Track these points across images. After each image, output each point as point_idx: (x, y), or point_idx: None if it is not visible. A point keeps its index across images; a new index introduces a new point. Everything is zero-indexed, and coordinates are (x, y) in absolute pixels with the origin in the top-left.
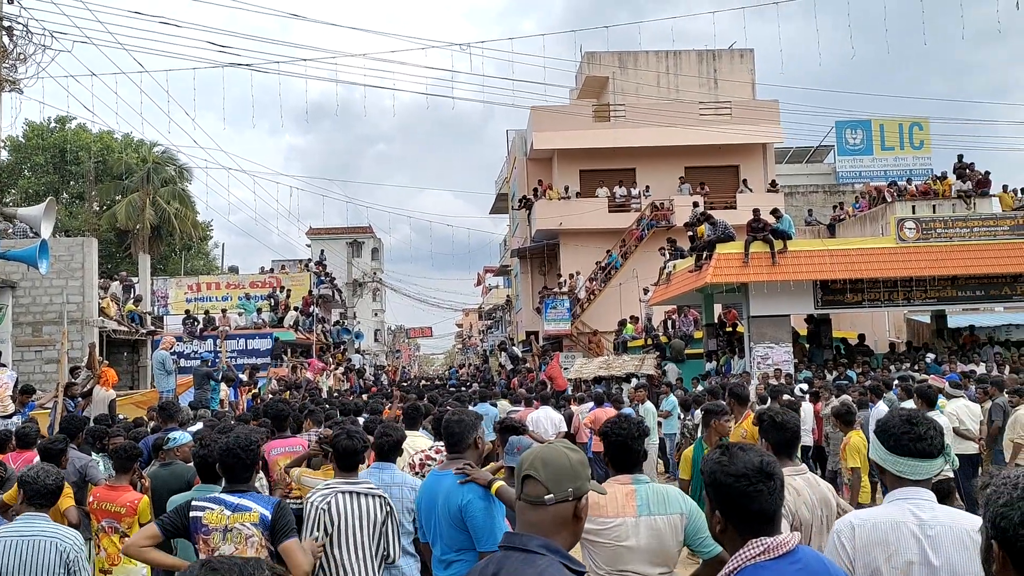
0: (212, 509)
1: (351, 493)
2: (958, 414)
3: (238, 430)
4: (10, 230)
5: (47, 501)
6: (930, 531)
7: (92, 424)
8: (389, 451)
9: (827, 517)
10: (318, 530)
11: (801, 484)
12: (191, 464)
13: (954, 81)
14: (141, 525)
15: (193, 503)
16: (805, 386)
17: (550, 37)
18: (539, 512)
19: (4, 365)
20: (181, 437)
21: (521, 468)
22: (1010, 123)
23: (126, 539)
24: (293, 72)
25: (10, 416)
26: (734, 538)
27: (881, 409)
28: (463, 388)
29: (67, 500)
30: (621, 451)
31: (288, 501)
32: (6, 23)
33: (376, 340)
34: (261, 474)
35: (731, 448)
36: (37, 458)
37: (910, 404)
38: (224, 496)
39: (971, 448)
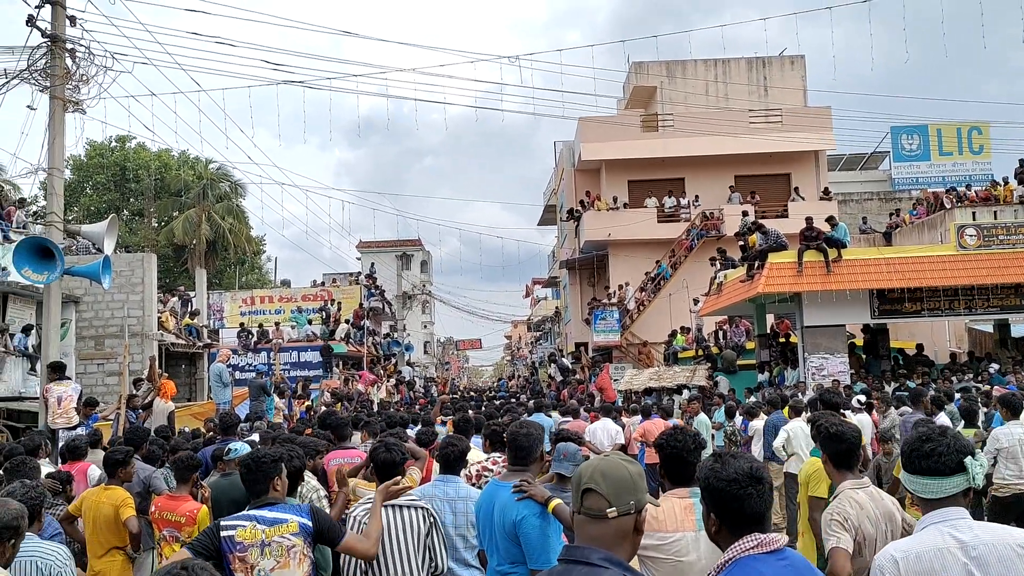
0: (244, 526)
1: (392, 506)
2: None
3: (283, 443)
4: (73, 247)
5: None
6: (974, 552)
7: (153, 435)
8: (454, 462)
9: (891, 532)
10: None
11: (864, 498)
12: None
13: (1012, 85)
14: None
15: (223, 523)
16: (863, 397)
17: (597, 47)
18: (600, 526)
19: (69, 378)
20: (240, 448)
21: (580, 481)
22: None
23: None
24: (344, 88)
25: (75, 427)
26: (727, 537)
27: (943, 421)
28: (512, 400)
29: (127, 510)
30: (677, 464)
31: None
32: (69, 45)
33: (426, 352)
34: (316, 483)
35: (723, 455)
36: (92, 468)
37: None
38: (255, 512)
39: None
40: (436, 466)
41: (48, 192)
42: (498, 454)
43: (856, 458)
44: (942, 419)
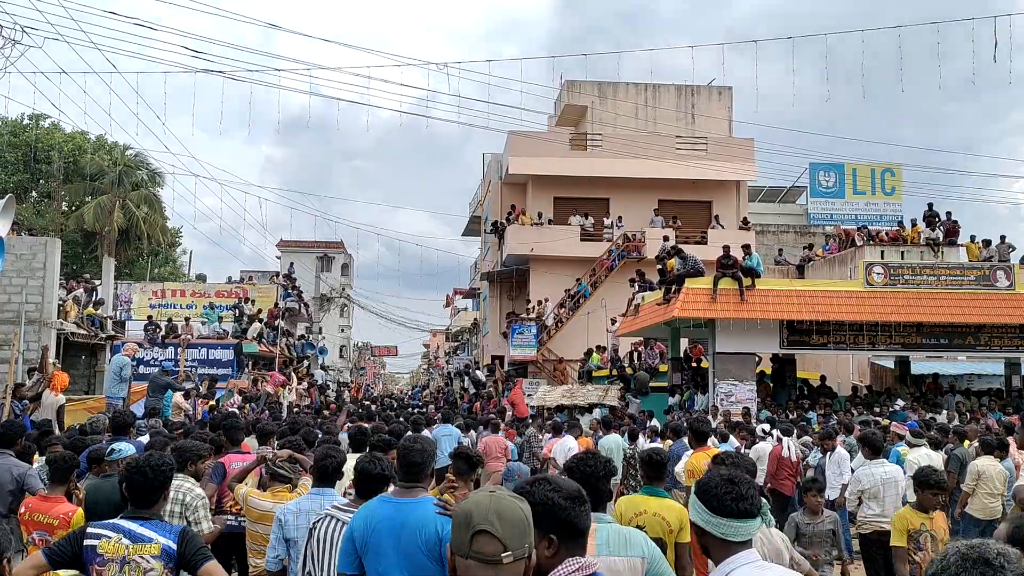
0: (109, 537)
1: (331, 517)
2: (919, 463)
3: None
4: None
5: None
6: None
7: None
8: (332, 474)
9: None
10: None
11: (756, 538)
12: None
13: (926, 131)
14: None
15: (88, 530)
16: (767, 426)
17: (530, 64)
18: (494, 570)
19: None
20: (126, 449)
21: (470, 521)
22: (980, 175)
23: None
24: (267, 82)
25: None
26: (563, 555)
27: (841, 454)
28: (421, 410)
29: None
30: (587, 488)
31: (227, 518)
32: None
33: (341, 356)
34: (199, 490)
35: (553, 479)
36: None
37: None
38: (124, 523)
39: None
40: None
41: None
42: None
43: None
44: (840, 452)
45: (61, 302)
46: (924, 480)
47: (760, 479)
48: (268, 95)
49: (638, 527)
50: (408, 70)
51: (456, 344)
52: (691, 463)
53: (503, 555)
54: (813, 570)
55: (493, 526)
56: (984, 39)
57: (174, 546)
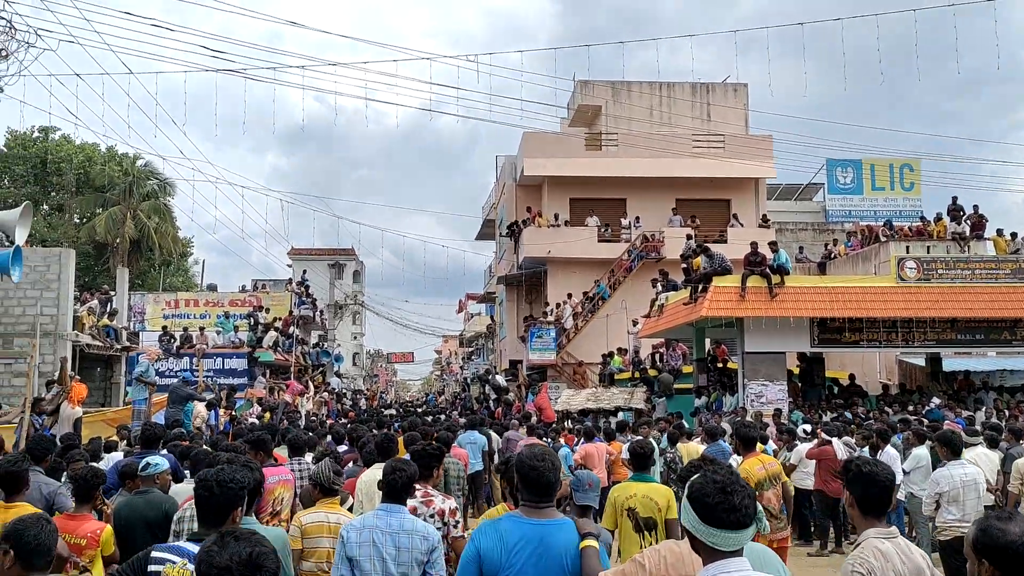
0: (174, 562)
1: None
2: (978, 463)
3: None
4: None
5: None
6: None
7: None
8: (401, 490)
9: None
10: None
11: (890, 549)
12: (170, 494)
13: (937, 128)
14: (104, 557)
15: (153, 555)
16: (808, 427)
17: (537, 68)
18: None
19: None
20: (160, 463)
21: None
22: (996, 164)
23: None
24: (287, 82)
25: None
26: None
27: (891, 453)
28: (440, 416)
29: None
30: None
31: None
32: None
33: (354, 364)
34: None
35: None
36: None
37: (923, 450)
38: (188, 546)
39: (990, 499)
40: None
41: None
42: (418, 484)
43: (887, 504)
44: (888, 452)
45: (76, 314)
46: None
47: (808, 482)
48: (275, 103)
49: (629, 508)
50: (418, 70)
51: (471, 349)
52: (742, 471)
53: None
54: None
55: None
56: (988, 33)
57: None
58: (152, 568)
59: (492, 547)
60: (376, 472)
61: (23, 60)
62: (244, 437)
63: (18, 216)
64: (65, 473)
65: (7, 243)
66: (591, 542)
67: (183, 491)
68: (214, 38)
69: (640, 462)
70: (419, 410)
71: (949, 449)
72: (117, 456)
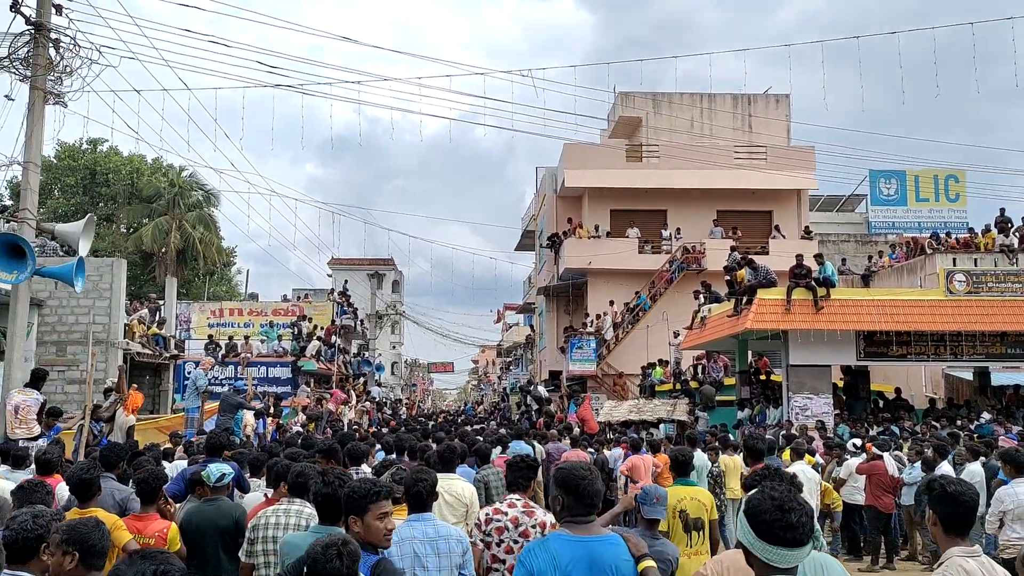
0: None
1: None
2: None
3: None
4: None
5: None
6: None
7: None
8: (427, 498)
9: None
10: None
11: (974, 568)
12: (243, 503)
13: (979, 137)
14: None
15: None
16: (858, 441)
17: (574, 78)
18: None
19: (32, 387)
20: (230, 472)
21: None
22: None
23: None
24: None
25: (36, 438)
26: None
27: (944, 469)
28: (481, 427)
29: (123, 533)
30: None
31: None
32: (53, 35)
33: (392, 373)
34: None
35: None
36: (62, 486)
37: (976, 466)
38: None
39: None
40: None
41: (22, 187)
42: (516, 496)
43: (971, 523)
44: (943, 468)
45: (126, 323)
46: None
47: (859, 497)
48: (314, 113)
49: (681, 511)
50: (460, 83)
51: (509, 360)
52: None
53: None
54: None
55: None
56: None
57: None
58: None
59: (545, 568)
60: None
61: (85, 76)
62: (316, 447)
63: (82, 228)
64: (132, 479)
65: (60, 254)
66: (649, 563)
67: (253, 500)
68: (269, 53)
69: (682, 469)
70: (459, 420)
71: (1013, 467)
72: (182, 464)
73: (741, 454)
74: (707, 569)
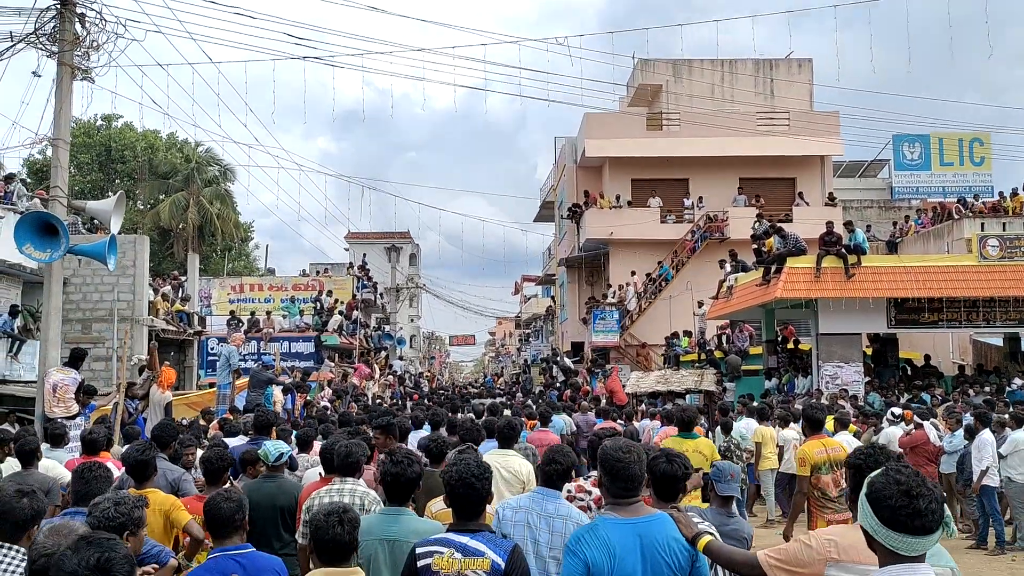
0: (442, 553)
1: None
2: None
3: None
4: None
5: None
6: None
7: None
8: (558, 479)
9: None
10: None
11: None
12: (297, 480)
13: (1000, 98)
14: None
15: (419, 549)
16: (897, 410)
17: (587, 47)
18: None
19: (71, 367)
20: (286, 450)
21: None
22: None
23: None
24: (377, 69)
25: (74, 417)
26: None
27: (984, 438)
28: (510, 401)
29: (182, 513)
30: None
31: None
32: (79, 10)
33: (411, 346)
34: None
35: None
36: (111, 465)
37: (1020, 434)
38: (453, 536)
39: None
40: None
41: (52, 164)
42: (595, 472)
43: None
44: (985, 435)
45: (151, 299)
46: None
47: None
48: (326, 87)
49: None
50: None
51: (528, 331)
52: (802, 452)
53: None
54: None
55: None
56: None
57: (503, 563)
58: (421, 563)
59: (600, 558)
60: (494, 458)
61: (112, 52)
62: (373, 421)
63: (113, 204)
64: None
65: (84, 231)
66: (707, 538)
67: (310, 477)
68: (299, 25)
69: (685, 425)
70: (482, 393)
71: None
72: (236, 442)
73: (797, 424)
74: (810, 539)
